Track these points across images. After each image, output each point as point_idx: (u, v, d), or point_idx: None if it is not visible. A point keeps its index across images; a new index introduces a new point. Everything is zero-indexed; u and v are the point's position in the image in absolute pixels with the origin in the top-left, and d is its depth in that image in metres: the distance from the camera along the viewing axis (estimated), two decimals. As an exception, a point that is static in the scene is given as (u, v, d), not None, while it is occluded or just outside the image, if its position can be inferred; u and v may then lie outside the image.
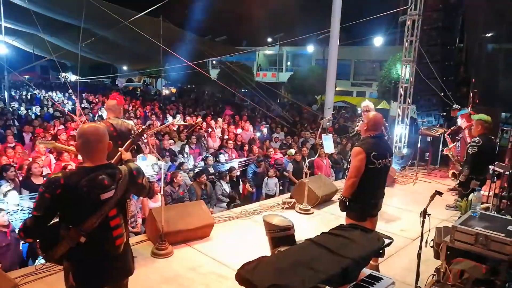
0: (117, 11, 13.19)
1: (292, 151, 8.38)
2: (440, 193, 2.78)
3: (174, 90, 30.38)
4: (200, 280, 3.74)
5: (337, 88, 13.19)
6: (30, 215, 1.99)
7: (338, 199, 3.51)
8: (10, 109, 12.84)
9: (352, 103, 22.20)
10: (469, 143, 5.04)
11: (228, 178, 7.18)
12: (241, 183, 7.89)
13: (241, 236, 4.85)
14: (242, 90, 22.11)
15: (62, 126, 10.33)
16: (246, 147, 9.31)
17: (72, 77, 29.04)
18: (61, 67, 15.83)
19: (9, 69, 12.48)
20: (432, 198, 2.79)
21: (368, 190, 3.39)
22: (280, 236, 2.42)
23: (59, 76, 33.07)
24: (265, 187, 7.62)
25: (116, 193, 2.07)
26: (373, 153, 3.33)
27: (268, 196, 7.38)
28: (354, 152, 3.38)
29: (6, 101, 12.91)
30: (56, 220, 2.04)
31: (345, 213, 3.61)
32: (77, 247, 1.99)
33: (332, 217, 5.64)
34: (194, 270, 3.90)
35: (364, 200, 3.40)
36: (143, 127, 2.62)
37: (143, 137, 2.71)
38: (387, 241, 2.41)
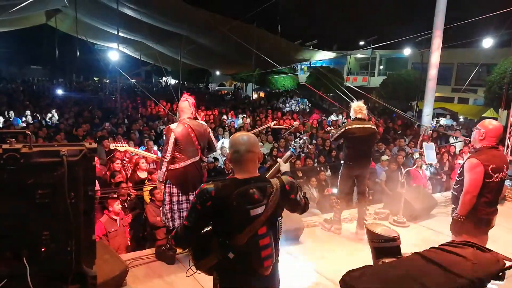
0: (215, 19, 13.98)
1: (385, 157, 7.97)
2: None
3: (262, 94, 31.12)
4: (290, 282, 3.73)
5: (436, 94, 12.22)
6: (182, 224, 2.01)
7: (452, 217, 3.21)
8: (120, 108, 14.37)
9: (452, 110, 20.37)
10: None
11: (315, 182, 7.11)
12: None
13: (330, 243, 4.76)
14: (331, 94, 21.75)
15: (164, 126, 11.27)
16: (334, 153, 9.13)
17: (172, 81, 31.46)
18: (163, 72, 17.29)
19: (121, 73, 13.97)
20: None
21: (482, 206, 3.06)
22: (385, 246, 2.30)
23: (160, 80, 36.15)
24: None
25: (267, 209, 1.91)
26: (491, 165, 2.99)
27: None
28: (471, 165, 3.06)
29: (118, 101, 14.47)
30: (209, 228, 2.00)
31: (447, 228, 3.31)
32: (226, 262, 1.91)
33: (431, 232, 5.25)
34: (285, 272, 3.91)
35: (477, 216, 3.07)
36: (304, 138, 2.51)
37: (304, 148, 2.60)
38: (508, 263, 2.15)
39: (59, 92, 18.65)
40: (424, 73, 13.60)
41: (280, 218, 2.03)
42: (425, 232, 5.26)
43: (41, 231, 1.73)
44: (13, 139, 1.78)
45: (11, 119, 10.58)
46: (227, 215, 1.89)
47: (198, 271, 2.09)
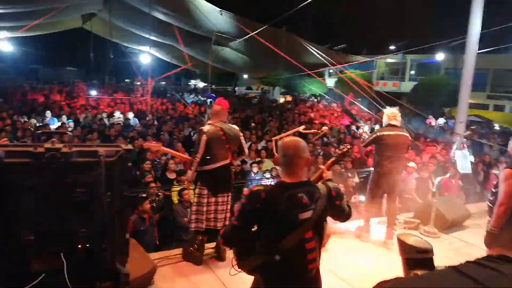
0: (244, 23, 14.09)
1: (412, 164, 7.75)
2: None
3: (289, 98, 31.00)
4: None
5: (470, 101, 11.80)
6: (231, 223, 2.05)
7: (486, 231, 3.10)
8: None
9: (487, 118, 19.64)
10: None
11: (343, 188, 7.02)
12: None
13: (357, 251, 4.68)
14: (360, 99, 21.42)
15: (190, 128, 11.44)
16: (364, 159, 8.97)
17: (200, 84, 31.86)
18: (192, 75, 17.57)
19: (153, 76, 14.28)
20: None
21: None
22: (417, 258, 2.23)
23: (189, 83, 36.71)
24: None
25: (314, 213, 1.94)
26: (527, 176, 2.87)
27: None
28: (505, 175, 2.95)
29: (148, 103, 14.81)
30: (254, 229, 2.04)
31: (480, 240, 3.19)
32: (271, 264, 1.94)
33: (462, 244, 5.08)
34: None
35: (513, 229, 2.95)
36: (348, 147, 2.53)
37: (346, 157, 2.61)
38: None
39: (93, 93, 19.29)
40: (457, 79, 13.17)
41: (325, 222, 2.06)
42: (457, 244, 5.09)
43: (78, 229, 1.79)
44: (55, 139, 1.85)
45: (47, 119, 11.02)
46: (276, 218, 1.92)
47: (240, 270, 2.11)
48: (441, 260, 2.63)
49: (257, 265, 2.01)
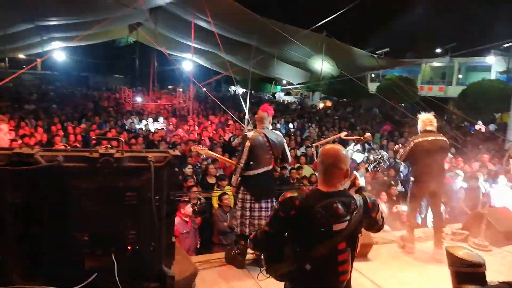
0: (283, 29, 14.12)
1: (460, 172, 7.38)
2: None
3: (329, 103, 30.60)
4: (358, 300, 3.61)
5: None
6: (262, 229, 2.03)
7: None
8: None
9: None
10: None
11: (385, 197, 6.81)
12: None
13: (401, 262, 4.51)
14: (403, 104, 20.75)
15: (230, 134, 11.61)
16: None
17: (240, 90, 32.24)
18: (232, 82, 17.83)
19: (194, 82, 14.65)
20: None
21: None
22: (468, 272, 2.12)
23: (229, 89, 37.27)
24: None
25: (349, 225, 1.89)
26: None
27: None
28: None
29: (190, 109, 15.19)
30: (286, 234, 2.01)
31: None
32: (301, 272, 1.90)
33: (517, 259, 4.75)
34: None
35: None
36: (383, 153, 2.52)
37: (380, 164, 2.54)
38: None
39: (138, 99, 20.06)
40: (510, 82, 12.45)
41: (360, 234, 2.00)
42: (510, 258, 4.77)
43: (128, 231, 1.87)
44: (107, 144, 1.95)
45: (97, 124, 11.60)
46: (310, 226, 1.88)
47: (268, 275, 2.08)
48: (493, 276, 2.49)
49: (286, 272, 1.97)
